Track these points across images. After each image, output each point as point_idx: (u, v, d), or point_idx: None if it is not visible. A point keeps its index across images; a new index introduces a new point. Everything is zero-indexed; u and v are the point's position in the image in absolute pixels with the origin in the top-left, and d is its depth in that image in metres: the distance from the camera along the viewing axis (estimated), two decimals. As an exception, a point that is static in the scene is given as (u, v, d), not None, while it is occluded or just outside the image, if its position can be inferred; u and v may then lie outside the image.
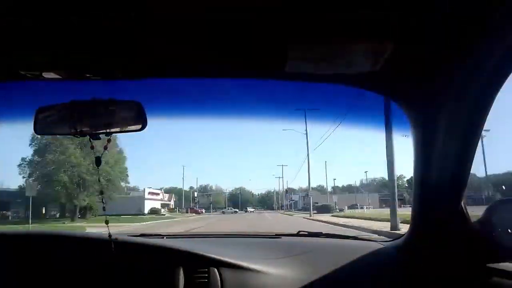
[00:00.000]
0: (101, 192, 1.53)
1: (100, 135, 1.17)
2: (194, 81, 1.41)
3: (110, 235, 1.31)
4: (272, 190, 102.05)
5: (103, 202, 1.42)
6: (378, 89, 1.21)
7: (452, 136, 1.10)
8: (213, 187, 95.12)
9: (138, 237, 1.73)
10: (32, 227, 15.09)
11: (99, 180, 1.34)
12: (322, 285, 1.37)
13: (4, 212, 32.31)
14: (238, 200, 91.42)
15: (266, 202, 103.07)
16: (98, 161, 1.18)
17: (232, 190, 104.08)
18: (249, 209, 58.76)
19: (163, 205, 47.62)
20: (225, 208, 64.51)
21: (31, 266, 1.33)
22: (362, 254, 1.51)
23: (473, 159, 1.12)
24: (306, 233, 2.00)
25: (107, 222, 1.36)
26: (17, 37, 0.90)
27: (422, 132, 1.20)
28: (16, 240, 1.49)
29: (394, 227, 10.48)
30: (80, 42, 0.93)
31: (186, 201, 64.53)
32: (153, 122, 1.27)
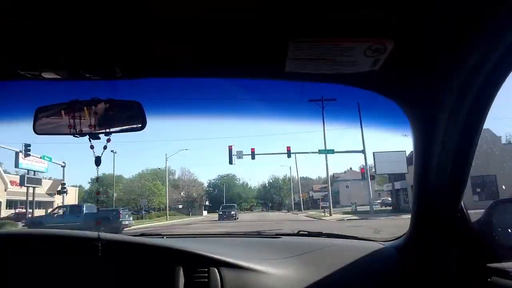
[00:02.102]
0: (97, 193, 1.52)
1: (100, 135, 1.17)
2: (194, 81, 1.41)
3: (98, 235, 1.31)
4: (278, 176, 66.40)
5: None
6: (378, 89, 1.21)
7: (452, 136, 1.10)
8: (185, 177, 59.51)
9: (137, 237, 1.73)
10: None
11: (97, 180, 1.35)
12: (322, 284, 1.37)
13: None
14: (223, 195, 58.48)
15: (269, 197, 67.30)
16: (98, 161, 1.18)
17: (214, 180, 70.05)
18: (232, 211, 30.24)
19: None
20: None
21: (22, 268, 1.32)
22: (362, 254, 1.51)
23: (472, 159, 1.12)
24: (306, 232, 2.00)
25: (98, 223, 1.36)
26: (17, 37, 0.90)
27: (422, 132, 1.20)
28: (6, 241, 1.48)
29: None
30: (80, 42, 0.92)
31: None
32: (152, 121, 1.28)
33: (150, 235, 1.99)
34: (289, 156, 26.54)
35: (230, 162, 25.71)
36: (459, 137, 1.09)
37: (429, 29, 0.86)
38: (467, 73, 0.95)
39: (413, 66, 1.03)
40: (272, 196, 67.59)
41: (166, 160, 40.45)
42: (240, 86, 1.67)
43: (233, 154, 25.75)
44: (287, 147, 25.93)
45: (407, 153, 22.37)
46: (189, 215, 43.76)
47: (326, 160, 25.27)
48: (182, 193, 52.98)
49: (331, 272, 1.40)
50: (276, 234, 1.97)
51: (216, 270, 1.33)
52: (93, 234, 1.37)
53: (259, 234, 2.11)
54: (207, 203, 56.98)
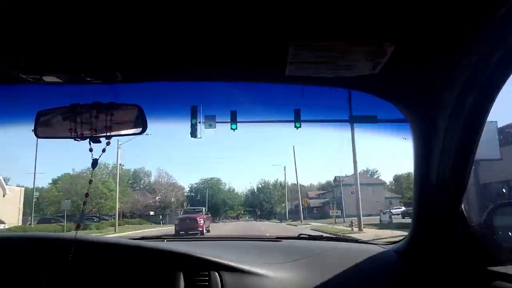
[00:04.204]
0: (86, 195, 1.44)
1: (100, 138, 1.17)
2: (194, 85, 1.41)
3: (75, 237, 1.29)
4: (269, 180, 59.04)
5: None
6: (378, 91, 1.21)
7: (452, 139, 1.10)
8: (162, 180, 48.16)
9: (138, 240, 1.73)
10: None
11: (90, 182, 1.34)
12: None
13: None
14: (205, 200, 49.02)
15: (258, 204, 58.94)
16: (95, 163, 1.18)
17: (197, 184, 59.68)
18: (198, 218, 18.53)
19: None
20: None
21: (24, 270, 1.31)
22: (363, 257, 1.51)
23: (473, 162, 1.12)
24: (307, 236, 2.00)
25: (78, 227, 1.32)
26: (18, 40, 0.91)
27: (422, 134, 1.20)
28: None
29: None
30: (81, 46, 0.93)
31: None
32: (153, 125, 1.28)
33: (151, 239, 1.99)
34: (297, 124, 13.93)
35: (193, 134, 13.01)
36: (459, 140, 1.09)
37: (429, 31, 0.87)
38: (467, 75, 0.95)
39: (413, 69, 1.03)
40: (261, 203, 59.68)
41: (118, 148, 25.54)
42: (242, 89, 1.68)
43: (198, 121, 14.56)
44: (295, 109, 13.44)
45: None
46: (160, 223, 34.51)
47: (354, 150, 17.21)
48: (157, 198, 42.87)
49: (332, 275, 1.40)
50: (277, 238, 1.97)
51: (217, 274, 1.33)
52: (69, 236, 1.35)
53: (260, 238, 2.10)
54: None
